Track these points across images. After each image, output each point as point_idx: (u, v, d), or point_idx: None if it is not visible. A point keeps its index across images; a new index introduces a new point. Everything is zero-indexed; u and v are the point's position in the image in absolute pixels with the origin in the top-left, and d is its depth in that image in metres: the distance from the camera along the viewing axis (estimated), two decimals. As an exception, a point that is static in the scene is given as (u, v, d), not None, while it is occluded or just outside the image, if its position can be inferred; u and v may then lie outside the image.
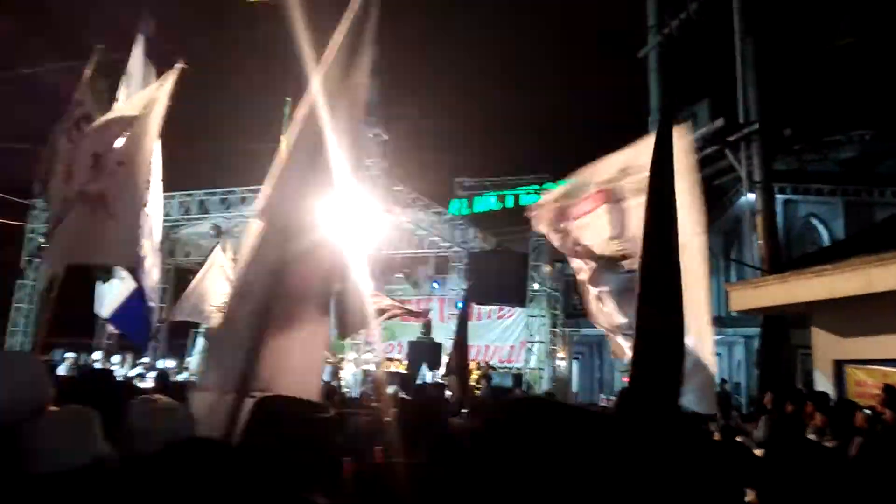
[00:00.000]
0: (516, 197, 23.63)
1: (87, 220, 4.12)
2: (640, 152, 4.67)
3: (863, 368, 8.76)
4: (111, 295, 6.10)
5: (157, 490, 1.13)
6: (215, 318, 6.35)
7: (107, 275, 5.74)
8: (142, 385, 6.54)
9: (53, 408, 2.03)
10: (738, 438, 6.08)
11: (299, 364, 2.81)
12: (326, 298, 2.94)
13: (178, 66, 4.71)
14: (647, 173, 2.71)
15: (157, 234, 5.01)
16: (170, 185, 5.16)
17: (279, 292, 2.73)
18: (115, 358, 14.44)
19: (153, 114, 4.48)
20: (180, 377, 12.20)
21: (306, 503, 1.64)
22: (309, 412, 1.79)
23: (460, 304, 13.85)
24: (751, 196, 11.74)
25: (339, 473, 1.85)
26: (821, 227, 21.21)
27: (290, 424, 1.69)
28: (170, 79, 4.66)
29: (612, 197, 4.92)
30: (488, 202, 23.65)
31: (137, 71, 6.02)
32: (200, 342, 10.27)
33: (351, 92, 3.09)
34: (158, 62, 6.08)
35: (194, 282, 9.81)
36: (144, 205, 4.65)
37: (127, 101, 5.11)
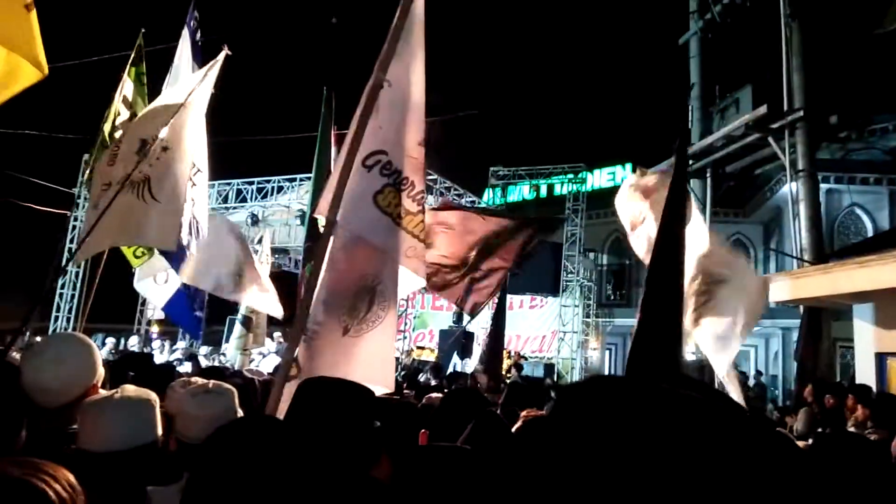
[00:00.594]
0: (550, 186, 23.43)
1: (131, 204, 4.20)
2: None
3: (906, 361, 8.52)
4: (161, 286, 6.26)
5: (216, 473, 1.13)
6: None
7: (145, 255, 5.85)
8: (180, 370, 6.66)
9: (127, 387, 2.06)
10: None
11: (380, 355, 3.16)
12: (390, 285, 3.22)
13: (223, 53, 4.75)
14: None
15: (204, 222, 5.06)
16: (208, 173, 5.21)
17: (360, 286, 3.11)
18: (156, 343, 14.73)
19: (198, 101, 4.55)
20: (215, 363, 12.41)
21: (369, 481, 1.64)
22: (355, 393, 1.79)
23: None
24: (793, 185, 11.45)
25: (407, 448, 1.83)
26: (864, 217, 20.68)
27: (335, 405, 1.68)
28: (215, 66, 4.70)
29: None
30: (521, 191, 23.48)
31: (185, 62, 6.11)
32: (237, 329, 10.39)
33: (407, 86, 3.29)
34: (203, 52, 6.17)
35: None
36: (193, 185, 4.75)
37: (173, 88, 5.18)
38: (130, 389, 2.02)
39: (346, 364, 2.95)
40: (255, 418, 1.82)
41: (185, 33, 6.04)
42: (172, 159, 4.35)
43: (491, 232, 6.79)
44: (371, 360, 3.00)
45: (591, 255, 25.06)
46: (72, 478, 1.12)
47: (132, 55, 5.81)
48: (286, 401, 2.49)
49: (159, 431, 2.03)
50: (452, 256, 6.84)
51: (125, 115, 5.75)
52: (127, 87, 5.83)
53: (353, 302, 3.08)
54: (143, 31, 6.02)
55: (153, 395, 2.04)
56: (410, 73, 3.27)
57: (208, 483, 1.11)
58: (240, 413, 2.32)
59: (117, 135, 5.52)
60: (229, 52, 4.74)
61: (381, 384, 2.91)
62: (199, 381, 2.56)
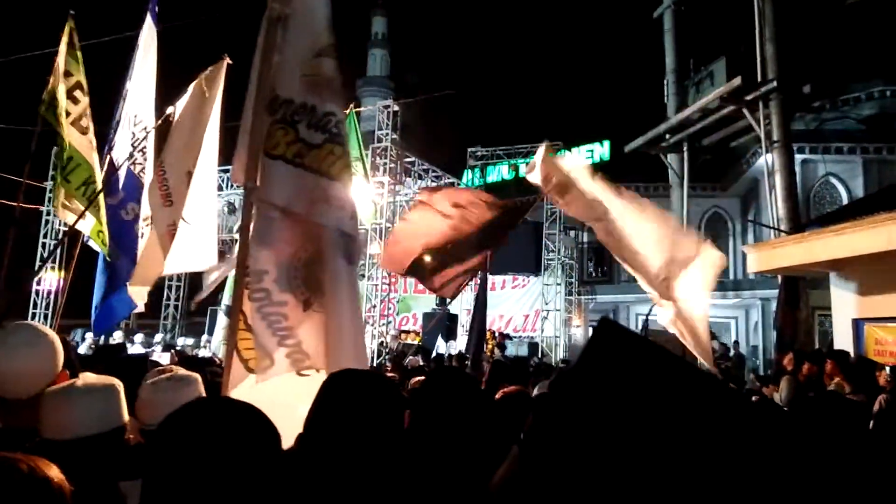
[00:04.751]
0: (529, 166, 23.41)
1: (167, 234, 4.36)
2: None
3: (882, 326, 8.67)
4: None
5: (160, 460, 1.09)
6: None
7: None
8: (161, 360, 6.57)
9: (86, 376, 2.03)
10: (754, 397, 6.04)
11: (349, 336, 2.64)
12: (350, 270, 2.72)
13: (224, 62, 4.67)
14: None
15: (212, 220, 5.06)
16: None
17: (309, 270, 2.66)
18: (138, 337, 14.57)
19: (208, 118, 4.54)
20: (197, 353, 12.29)
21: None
22: (382, 385, 1.73)
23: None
24: (769, 156, 11.53)
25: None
26: (839, 186, 20.92)
27: (364, 399, 1.61)
28: (218, 77, 4.64)
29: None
30: (500, 172, 23.43)
31: (147, 44, 5.99)
32: (221, 319, 10.28)
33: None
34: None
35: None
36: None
37: (188, 108, 5.06)
38: (91, 376, 2.01)
39: (318, 342, 2.61)
40: (207, 400, 1.78)
41: (147, 18, 5.92)
42: (196, 181, 4.42)
43: (486, 222, 6.74)
44: (342, 335, 2.58)
45: (572, 232, 25.12)
46: (56, 468, 1.14)
47: (64, 38, 5.64)
48: (260, 394, 2.39)
49: (125, 417, 2.02)
50: (438, 243, 6.77)
51: (71, 82, 5.62)
52: (73, 69, 5.67)
53: (306, 273, 2.67)
54: (71, 12, 5.79)
55: (116, 381, 2.02)
56: None
57: (162, 468, 1.07)
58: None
59: (69, 107, 5.48)
60: (230, 62, 4.66)
61: (358, 363, 2.52)
62: (173, 369, 2.53)
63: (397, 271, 8.36)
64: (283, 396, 2.24)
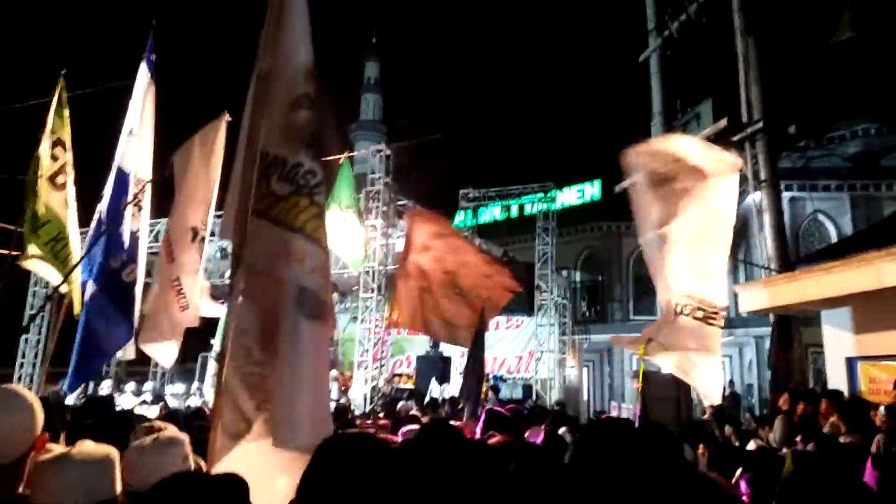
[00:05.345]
0: (521, 206, 23.57)
1: (172, 289, 4.43)
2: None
3: (876, 364, 8.64)
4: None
5: None
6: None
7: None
8: (147, 413, 6.46)
9: (86, 443, 2.00)
10: (755, 442, 5.97)
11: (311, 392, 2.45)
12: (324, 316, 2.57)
13: (224, 119, 4.74)
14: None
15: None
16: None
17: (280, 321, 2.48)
18: (129, 385, 14.38)
19: (210, 175, 4.61)
20: (188, 402, 12.13)
21: None
22: (378, 450, 1.68)
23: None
24: (757, 195, 11.64)
25: None
26: (828, 223, 21.12)
27: (362, 466, 1.56)
28: (218, 135, 4.72)
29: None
30: (493, 213, 23.56)
31: (143, 95, 6.04)
32: (212, 366, 10.18)
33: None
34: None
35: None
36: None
37: (190, 165, 5.13)
38: (89, 445, 1.98)
39: (290, 408, 2.36)
40: (194, 476, 1.74)
41: (143, 67, 5.98)
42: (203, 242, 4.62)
43: (468, 262, 6.83)
44: (294, 399, 2.36)
45: (564, 272, 25.16)
46: None
47: (55, 98, 5.74)
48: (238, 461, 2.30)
49: (118, 488, 1.99)
50: (431, 283, 6.82)
51: (52, 139, 5.68)
52: (57, 127, 5.75)
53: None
54: (63, 72, 5.90)
55: (112, 451, 2.01)
56: (283, 44, 2.75)
57: None
58: (192, 461, 2.25)
59: (47, 163, 5.53)
60: (230, 118, 4.74)
61: (313, 430, 2.27)
62: (160, 426, 2.48)
63: (416, 329, 8.49)
64: (262, 466, 2.18)
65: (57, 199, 5.56)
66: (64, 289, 5.38)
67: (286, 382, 2.39)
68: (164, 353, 5.45)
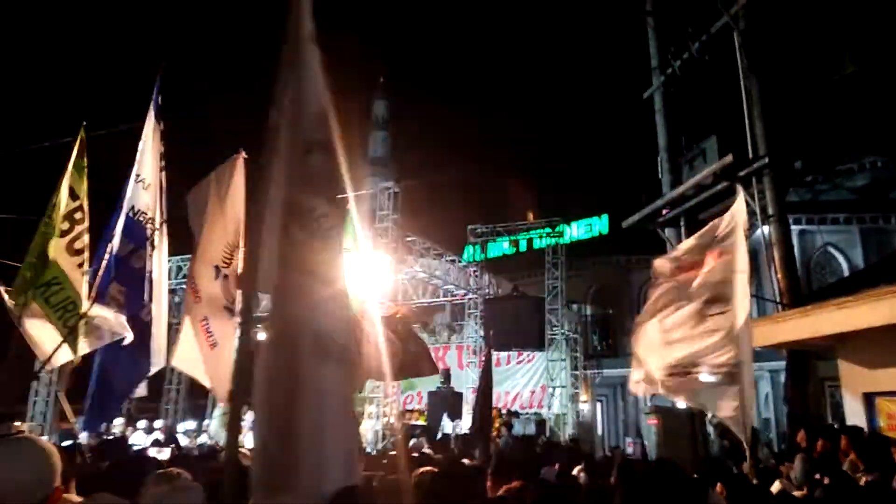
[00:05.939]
0: (529, 241, 23.62)
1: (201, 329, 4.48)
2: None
3: (894, 400, 8.52)
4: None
5: None
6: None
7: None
8: (159, 455, 6.46)
9: (103, 495, 2.03)
10: (780, 483, 5.89)
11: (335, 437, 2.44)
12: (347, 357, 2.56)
13: (241, 157, 4.83)
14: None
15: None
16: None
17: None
18: (141, 423, 14.33)
19: (231, 213, 4.69)
20: (200, 440, 12.09)
21: None
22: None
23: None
24: (766, 229, 11.65)
25: None
26: (839, 256, 21.03)
27: None
28: (235, 174, 4.80)
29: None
30: (501, 247, 23.62)
31: (149, 138, 6.15)
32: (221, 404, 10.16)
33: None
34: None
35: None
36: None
37: (203, 211, 5.19)
38: (105, 499, 1.98)
39: (314, 456, 2.34)
40: None
41: (150, 115, 6.09)
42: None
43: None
44: (333, 445, 2.38)
45: (575, 306, 25.07)
46: None
47: (75, 148, 5.81)
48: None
49: None
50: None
51: (72, 204, 5.73)
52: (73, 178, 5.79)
53: None
54: (84, 123, 6.00)
55: None
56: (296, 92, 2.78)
57: None
58: None
59: (65, 226, 5.56)
60: (246, 156, 4.82)
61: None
62: (174, 473, 2.51)
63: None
64: None
65: (72, 264, 5.54)
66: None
67: (307, 431, 2.39)
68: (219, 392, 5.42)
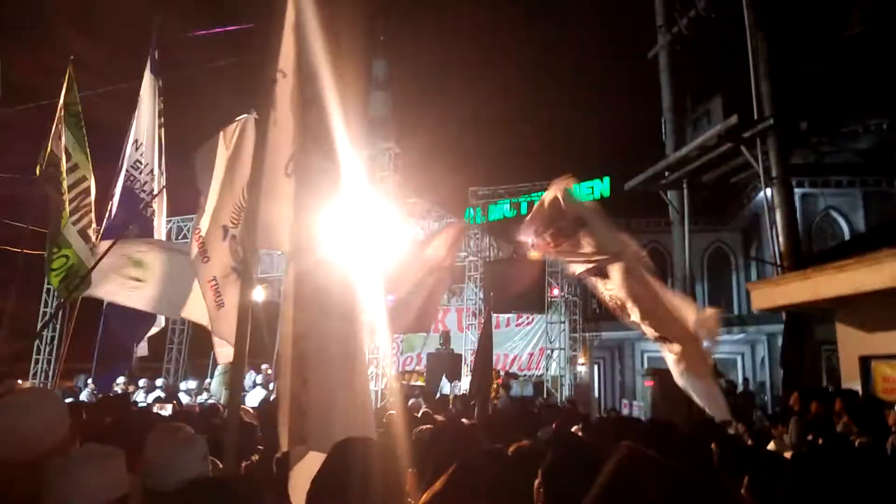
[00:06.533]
0: (530, 203, 23.50)
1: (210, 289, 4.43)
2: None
3: (890, 363, 8.57)
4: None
5: None
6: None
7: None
8: (161, 412, 6.51)
9: (90, 445, 2.06)
10: (774, 443, 5.95)
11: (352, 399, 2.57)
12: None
13: (252, 118, 4.73)
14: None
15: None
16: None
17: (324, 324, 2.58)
18: (142, 382, 14.46)
19: (239, 173, 4.64)
20: (200, 399, 12.21)
21: None
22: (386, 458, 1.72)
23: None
24: (768, 192, 11.58)
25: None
26: (841, 220, 20.95)
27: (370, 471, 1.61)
28: (246, 135, 4.72)
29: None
30: (502, 210, 23.52)
31: (147, 91, 6.07)
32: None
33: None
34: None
35: None
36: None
37: (210, 170, 5.15)
38: (94, 447, 2.04)
39: (326, 411, 2.46)
40: (216, 482, 1.78)
41: (147, 71, 6.02)
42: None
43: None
44: (334, 407, 2.47)
45: (575, 269, 25.07)
46: None
47: (64, 87, 5.69)
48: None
49: (127, 485, 2.03)
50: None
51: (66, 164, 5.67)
52: (65, 135, 5.70)
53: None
54: (71, 58, 5.86)
55: (117, 451, 2.04)
56: (305, 60, 2.87)
57: None
58: (208, 460, 2.30)
59: (65, 183, 5.53)
60: (256, 117, 4.74)
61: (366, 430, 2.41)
62: (177, 426, 2.52)
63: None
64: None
65: (80, 245, 5.58)
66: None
67: (314, 384, 2.45)
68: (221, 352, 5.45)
